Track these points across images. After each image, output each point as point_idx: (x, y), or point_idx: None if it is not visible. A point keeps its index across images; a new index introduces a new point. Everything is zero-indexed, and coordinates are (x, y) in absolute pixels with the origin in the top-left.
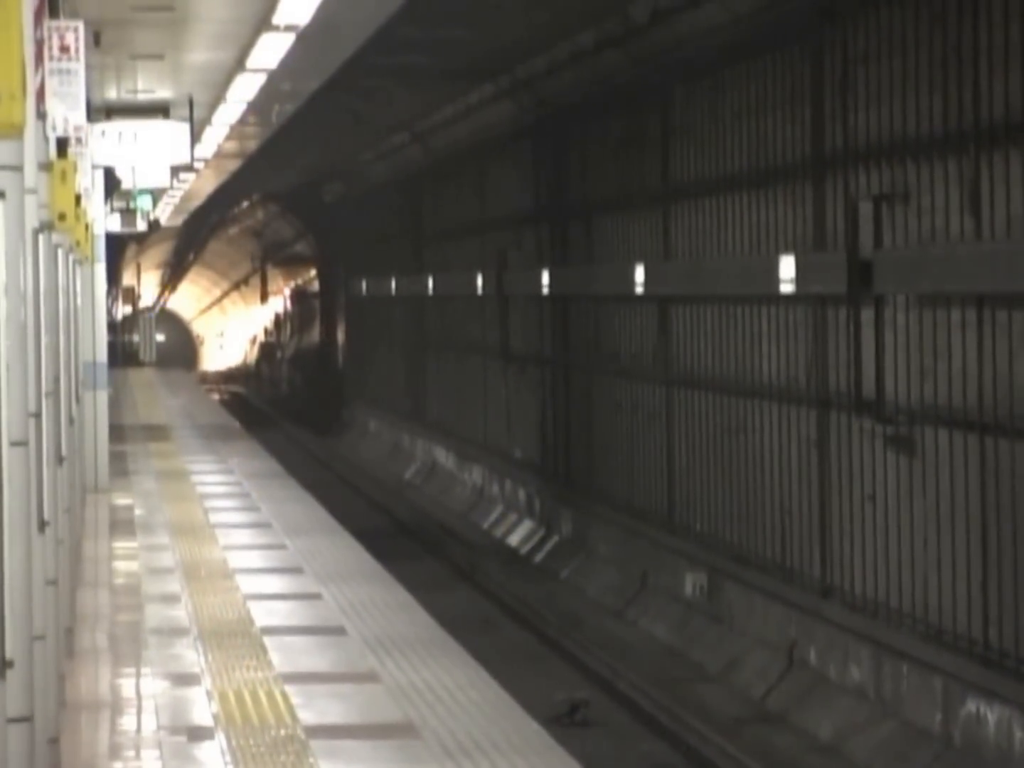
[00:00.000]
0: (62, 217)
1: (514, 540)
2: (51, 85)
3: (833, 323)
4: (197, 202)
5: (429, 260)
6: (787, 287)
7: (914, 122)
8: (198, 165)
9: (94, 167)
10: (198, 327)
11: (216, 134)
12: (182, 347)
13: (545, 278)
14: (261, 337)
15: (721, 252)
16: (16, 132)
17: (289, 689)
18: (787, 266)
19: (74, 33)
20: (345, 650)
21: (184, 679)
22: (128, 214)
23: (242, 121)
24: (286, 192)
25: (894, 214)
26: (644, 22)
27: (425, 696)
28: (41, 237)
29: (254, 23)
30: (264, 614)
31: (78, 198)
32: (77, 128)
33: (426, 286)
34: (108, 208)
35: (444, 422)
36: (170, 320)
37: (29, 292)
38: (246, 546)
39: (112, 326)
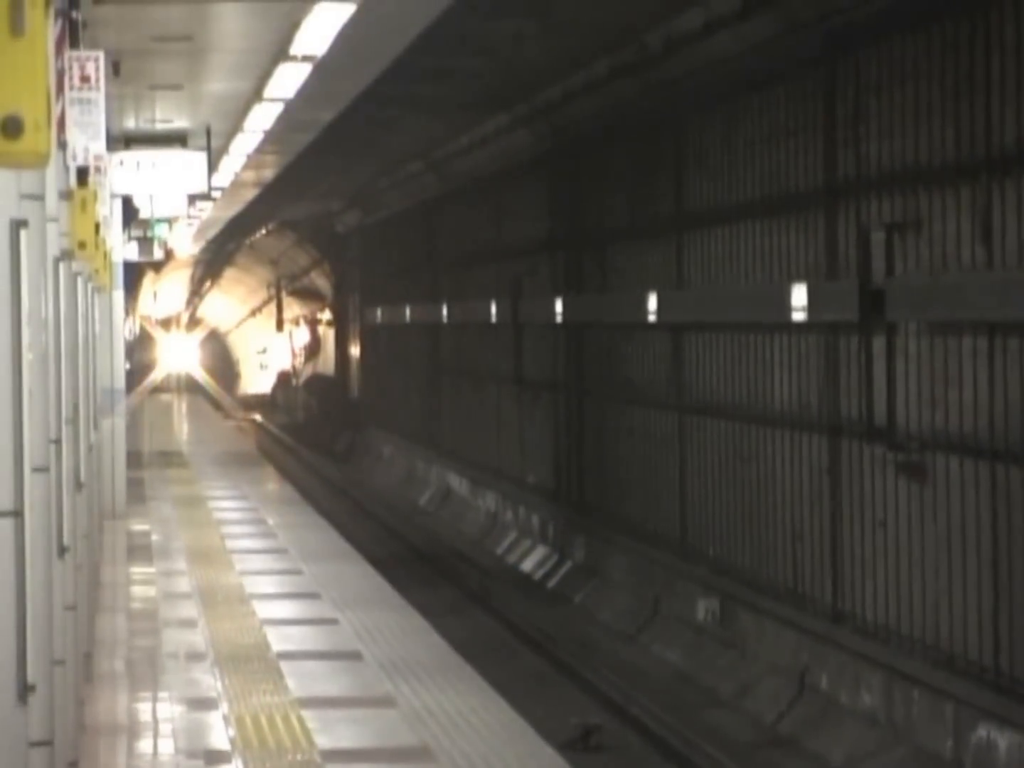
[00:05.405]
0: (82, 245)
1: (528, 565)
2: (72, 115)
3: (845, 351)
4: (214, 230)
5: (444, 288)
6: (799, 315)
7: (926, 151)
8: (215, 194)
9: (112, 196)
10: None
11: (233, 163)
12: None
13: (559, 306)
14: (277, 364)
15: (734, 280)
16: (42, 162)
17: (305, 714)
18: (799, 294)
19: (94, 63)
20: (361, 675)
21: (201, 703)
22: (145, 242)
23: (259, 150)
24: (302, 220)
25: (906, 242)
26: (659, 51)
27: (440, 721)
28: (62, 265)
29: (272, 53)
30: (280, 639)
31: (97, 227)
32: (97, 157)
33: (441, 314)
34: (126, 237)
35: (458, 448)
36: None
37: (50, 320)
38: (262, 572)
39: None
